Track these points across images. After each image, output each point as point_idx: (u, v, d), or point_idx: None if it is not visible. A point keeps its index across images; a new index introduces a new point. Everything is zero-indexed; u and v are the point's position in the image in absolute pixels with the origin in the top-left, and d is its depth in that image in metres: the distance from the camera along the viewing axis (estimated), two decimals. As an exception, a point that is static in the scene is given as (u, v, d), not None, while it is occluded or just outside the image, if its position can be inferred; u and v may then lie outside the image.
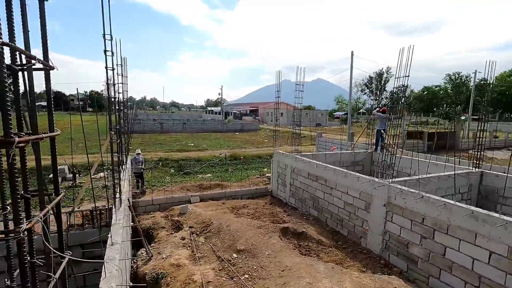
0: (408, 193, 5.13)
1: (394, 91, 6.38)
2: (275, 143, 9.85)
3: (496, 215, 3.97)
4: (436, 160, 8.54)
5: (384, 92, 68.33)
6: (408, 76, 5.59)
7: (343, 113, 64.28)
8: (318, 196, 7.55)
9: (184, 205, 8.13)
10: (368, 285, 4.29)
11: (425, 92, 71.35)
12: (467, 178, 6.96)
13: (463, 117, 35.58)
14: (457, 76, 68.63)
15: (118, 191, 5.28)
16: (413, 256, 5.04)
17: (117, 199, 5.02)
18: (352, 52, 22.57)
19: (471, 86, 36.91)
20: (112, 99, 5.36)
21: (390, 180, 5.71)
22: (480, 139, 7.18)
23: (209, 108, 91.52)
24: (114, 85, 4.94)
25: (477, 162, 7.26)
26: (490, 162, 7.97)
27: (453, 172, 6.50)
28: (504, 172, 6.86)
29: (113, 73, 4.70)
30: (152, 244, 6.41)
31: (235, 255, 5.49)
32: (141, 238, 6.12)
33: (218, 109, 72.36)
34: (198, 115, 77.52)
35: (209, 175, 13.51)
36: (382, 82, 69.92)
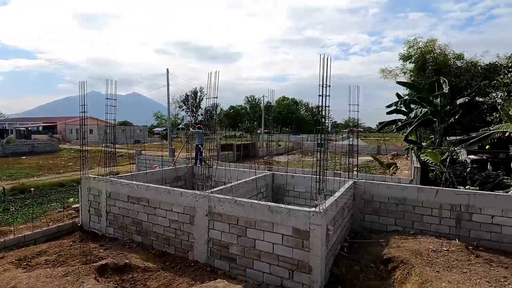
0: (225, 200, 5.79)
1: (208, 109, 7.12)
2: (83, 166, 8.25)
3: (283, 206, 5.26)
4: (243, 167, 10.25)
5: (200, 109, 75.09)
6: (216, 97, 6.37)
7: (163, 128, 64.31)
8: (141, 219, 7.01)
9: None
10: (197, 297, 4.40)
11: (231, 110, 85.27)
12: (264, 179, 8.80)
13: (258, 131, 45.26)
14: (252, 98, 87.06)
15: None
16: (232, 255, 5.70)
17: None
18: (167, 69, 23.19)
19: (262, 107, 47.70)
20: None
21: (210, 190, 6.23)
22: (270, 148, 9.36)
23: (-31, 124, 63.61)
24: None
25: (269, 166, 9.38)
26: (277, 165, 10.52)
27: (254, 177, 8.05)
28: (286, 172, 9.26)
29: None
30: None
31: (26, 326, 4.02)
32: None
33: (-13, 125, 52.04)
34: None
35: (-27, 221, 9.30)
36: (197, 100, 76.46)
